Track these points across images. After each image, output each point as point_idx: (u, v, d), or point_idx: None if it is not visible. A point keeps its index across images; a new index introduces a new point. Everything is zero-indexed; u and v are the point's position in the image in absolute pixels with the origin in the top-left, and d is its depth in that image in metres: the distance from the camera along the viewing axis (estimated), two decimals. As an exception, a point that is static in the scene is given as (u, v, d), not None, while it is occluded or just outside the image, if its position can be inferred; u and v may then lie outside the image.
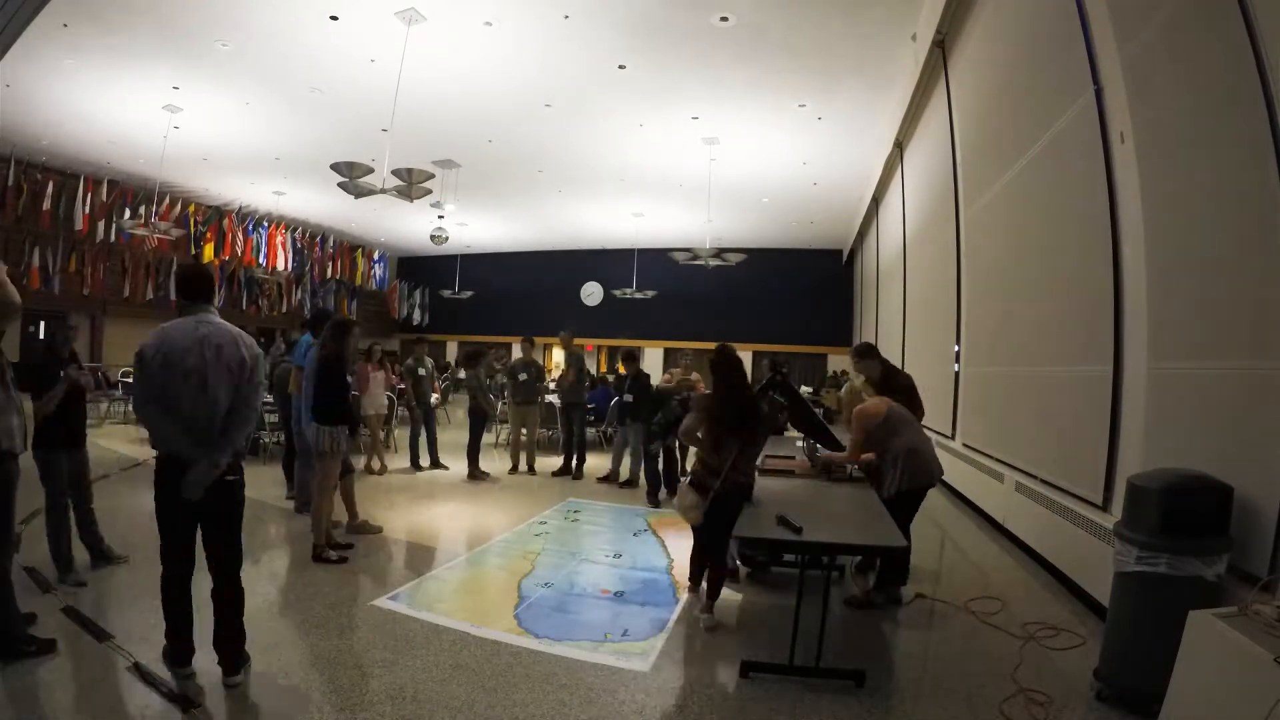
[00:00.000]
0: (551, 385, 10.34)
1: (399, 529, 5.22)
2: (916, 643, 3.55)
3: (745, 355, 16.20)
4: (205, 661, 2.64)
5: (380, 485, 6.81)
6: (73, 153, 11.83)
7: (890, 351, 11.22)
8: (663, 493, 6.55)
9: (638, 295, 15.36)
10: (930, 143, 8.11)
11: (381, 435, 8.06)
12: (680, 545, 4.78)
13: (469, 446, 7.44)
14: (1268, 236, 2.58)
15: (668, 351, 19.11)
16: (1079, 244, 4.17)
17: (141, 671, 2.70)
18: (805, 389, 14.17)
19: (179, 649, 2.61)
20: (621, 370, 7.70)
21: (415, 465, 7.82)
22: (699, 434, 3.66)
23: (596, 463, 8.05)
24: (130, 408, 9.94)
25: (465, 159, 11.33)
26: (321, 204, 14.95)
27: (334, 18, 6.89)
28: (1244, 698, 1.82)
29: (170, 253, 14.74)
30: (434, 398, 8.38)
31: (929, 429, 7.62)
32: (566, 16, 6.76)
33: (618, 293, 16.22)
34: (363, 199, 7.66)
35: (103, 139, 10.98)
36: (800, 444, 5.03)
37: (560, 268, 20.12)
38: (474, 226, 16.95)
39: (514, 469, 7.82)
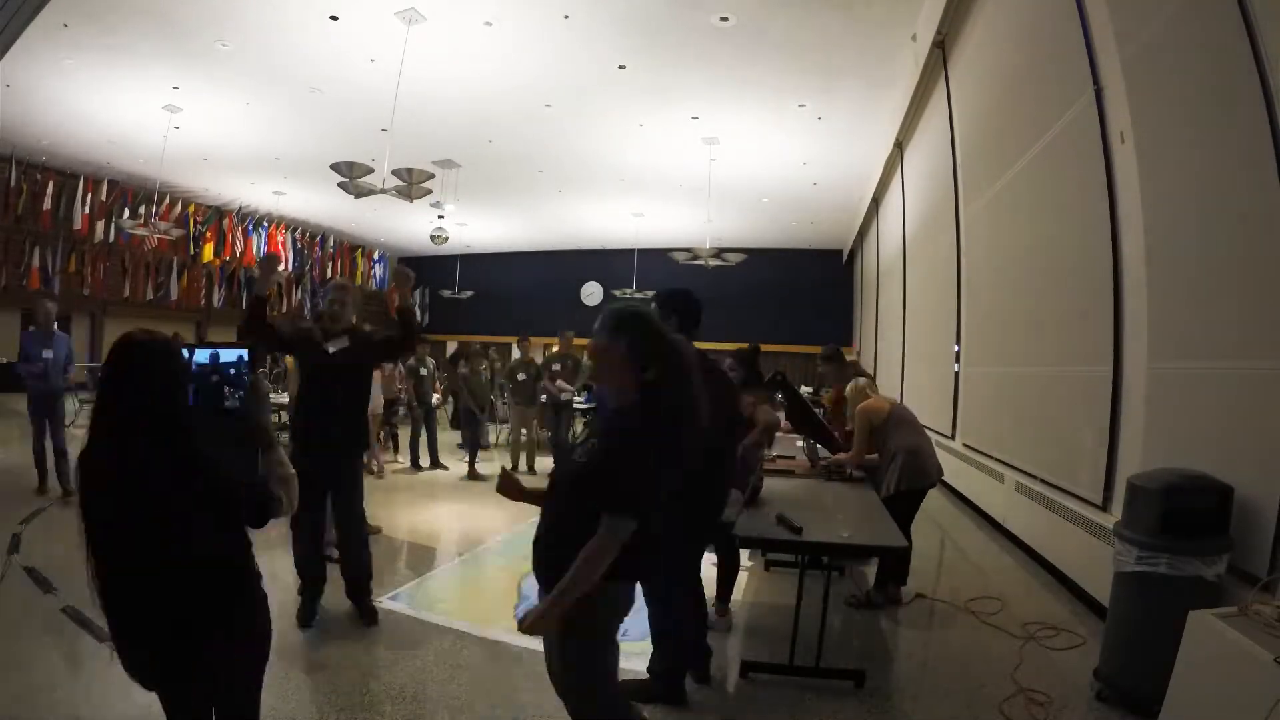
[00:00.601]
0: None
1: (399, 529, 5.22)
2: (916, 643, 3.55)
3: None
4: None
5: (380, 485, 6.81)
6: (73, 153, 11.82)
7: (890, 351, 11.24)
8: None
9: (638, 295, 15.36)
10: (930, 143, 8.11)
11: (381, 435, 8.07)
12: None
13: (467, 447, 7.45)
14: (1267, 236, 2.58)
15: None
16: (1079, 244, 4.16)
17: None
18: (805, 389, 14.17)
19: None
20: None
21: (415, 465, 7.83)
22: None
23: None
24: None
25: (465, 159, 11.32)
26: (321, 204, 14.94)
27: (334, 18, 6.88)
28: (1244, 698, 1.82)
29: (170, 253, 14.74)
30: (434, 398, 8.40)
31: (928, 429, 7.65)
32: (566, 16, 6.76)
33: (618, 293, 16.21)
34: (363, 199, 7.66)
35: (103, 139, 10.97)
36: (800, 444, 5.03)
37: (560, 268, 20.11)
38: (474, 226, 16.94)
39: (514, 469, 7.83)
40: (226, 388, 1.91)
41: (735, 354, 3.73)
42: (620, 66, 7.81)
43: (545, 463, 7.99)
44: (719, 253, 11.68)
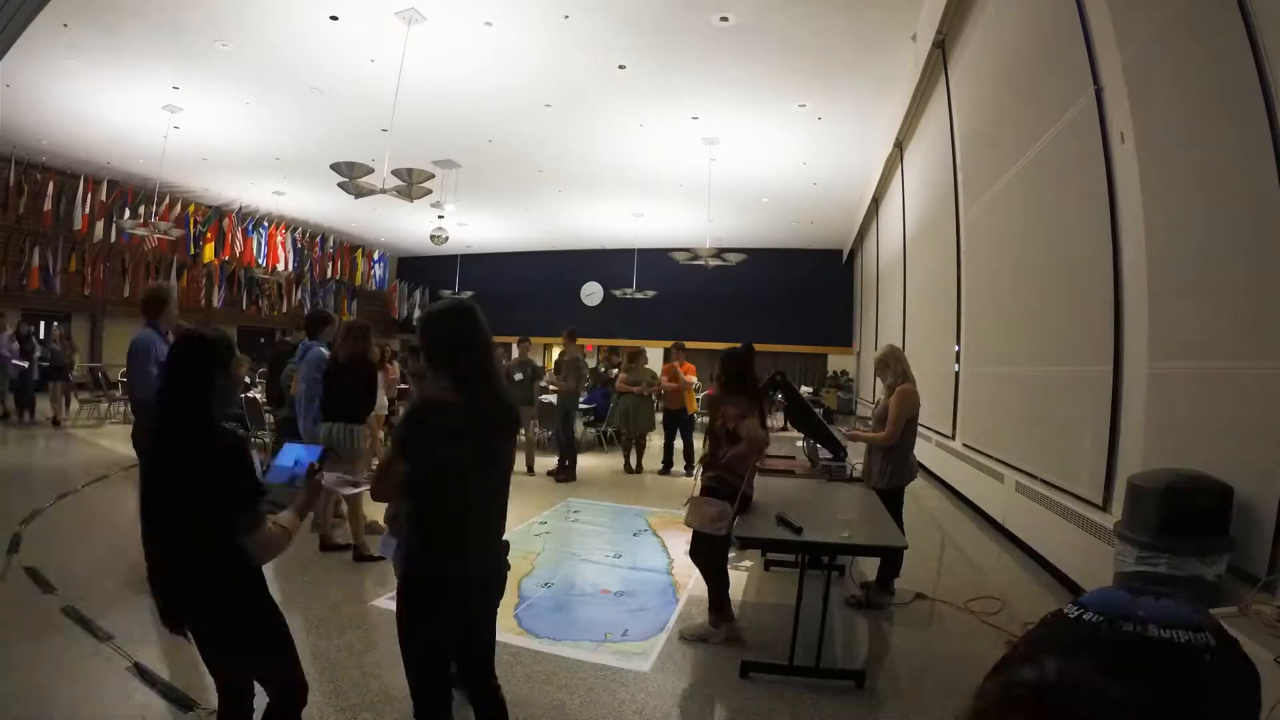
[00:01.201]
0: (551, 386, 10.35)
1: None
2: (916, 643, 3.55)
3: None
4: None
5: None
6: (73, 153, 11.83)
7: (890, 351, 11.23)
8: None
9: (638, 295, 15.37)
10: (930, 143, 8.11)
11: (382, 435, 8.05)
12: (680, 545, 4.77)
13: None
14: (1267, 236, 2.58)
15: (668, 352, 19.09)
16: (1079, 244, 4.16)
17: (141, 671, 2.70)
18: (805, 389, 14.18)
19: None
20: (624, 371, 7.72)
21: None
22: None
23: (596, 462, 8.05)
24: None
25: (465, 159, 11.33)
26: (321, 204, 14.95)
27: (334, 18, 6.89)
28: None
29: (170, 253, 14.74)
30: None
31: (929, 428, 7.67)
32: (566, 16, 6.76)
33: (618, 293, 16.23)
34: (363, 199, 7.66)
35: (103, 139, 10.98)
36: (800, 444, 5.03)
37: (560, 268, 20.12)
38: (474, 226, 16.95)
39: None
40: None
41: (724, 354, 3.47)
42: (620, 66, 7.81)
43: (545, 462, 7.99)
44: (719, 252, 11.67)
